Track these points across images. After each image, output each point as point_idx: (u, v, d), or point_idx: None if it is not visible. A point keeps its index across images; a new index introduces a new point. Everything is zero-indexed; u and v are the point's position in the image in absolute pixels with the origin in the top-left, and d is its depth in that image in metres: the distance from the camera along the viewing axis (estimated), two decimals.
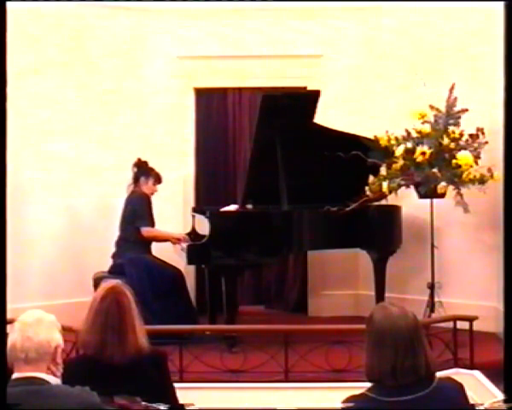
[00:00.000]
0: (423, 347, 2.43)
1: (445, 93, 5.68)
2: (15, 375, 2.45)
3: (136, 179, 6.06)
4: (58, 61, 6.48)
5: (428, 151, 5.55)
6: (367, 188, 5.68)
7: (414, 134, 5.68)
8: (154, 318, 5.25)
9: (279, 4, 6.73)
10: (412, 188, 5.71)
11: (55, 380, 2.47)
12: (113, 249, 6.01)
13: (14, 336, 2.46)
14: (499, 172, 5.01)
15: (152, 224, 5.95)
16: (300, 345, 4.85)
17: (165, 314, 5.50)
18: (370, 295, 6.24)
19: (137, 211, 5.92)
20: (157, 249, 6.10)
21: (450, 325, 4.94)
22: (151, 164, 6.33)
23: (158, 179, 6.12)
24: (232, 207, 6.06)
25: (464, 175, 5.48)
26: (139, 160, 6.12)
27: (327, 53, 6.84)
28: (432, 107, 5.68)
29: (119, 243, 6.01)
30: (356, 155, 5.62)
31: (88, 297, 3.34)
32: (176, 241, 5.97)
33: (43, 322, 2.49)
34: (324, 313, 6.64)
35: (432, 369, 2.42)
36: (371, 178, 5.72)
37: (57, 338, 2.51)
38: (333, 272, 6.83)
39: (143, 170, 6.08)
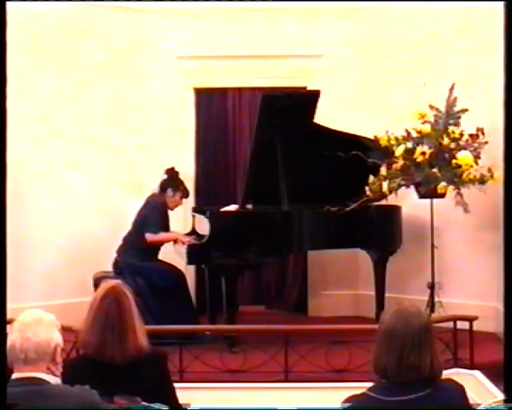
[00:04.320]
0: (430, 348, 2.43)
1: (445, 93, 5.69)
2: (15, 375, 2.44)
3: (163, 188, 6.01)
4: (57, 61, 6.48)
5: (428, 151, 5.55)
6: (367, 188, 5.68)
7: (414, 134, 5.68)
8: (154, 318, 5.26)
9: (279, 4, 6.73)
10: (412, 188, 5.71)
11: (54, 380, 2.47)
12: (114, 248, 5.98)
13: (13, 336, 2.46)
14: (499, 172, 5.01)
15: (160, 230, 5.89)
16: (300, 345, 4.85)
17: (166, 315, 5.50)
18: (370, 295, 6.25)
19: (147, 218, 5.89)
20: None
21: (450, 325, 4.94)
22: (150, 164, 6.34)
23: (185, 194, 6.12)
24: (232, 207, 6.06)
25: (464, 175, 5.49)
26: (172, 169, 6.08)
27: (327, 53, 6.84)
28: (432, 107, 5.69)
29: (125, 241, 5.98)
30: (356, 155, 5.62)
31: (88, 297, 3.34)
32: (182, 242, 5.91)
33: (42, 322, 2.49)
34: (324, 313, 6.64)
35: (436, 371, 2.42)
36: (371, 178, 5.72)
37: (56, 338, 2.51)
38: (333, 272, 6.83)
39: (173, 182, 6.04)
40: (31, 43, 6.34)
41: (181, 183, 6.10)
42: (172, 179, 6.07)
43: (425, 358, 2.40)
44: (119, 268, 5.83)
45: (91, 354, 2.96)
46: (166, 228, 6.00)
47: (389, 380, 2.41)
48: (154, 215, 5.91)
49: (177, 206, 6.10)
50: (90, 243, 6.53)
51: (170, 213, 6.10)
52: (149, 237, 5.84)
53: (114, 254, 5.96)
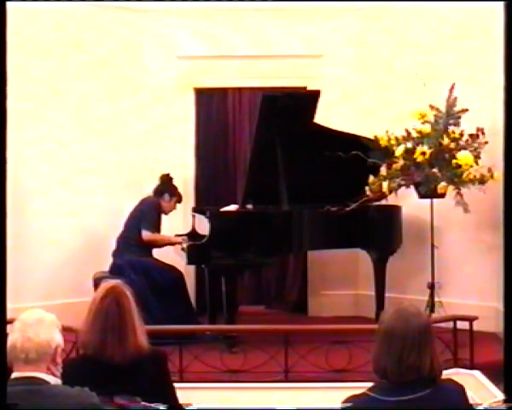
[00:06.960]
0: (430, 348, 2.43)
1: (445, 93, 5.69)
2: (15, 374, 2.44)
3: (159, 193, 6.06)
4: (57, 61, 6.47)
5: (428, 151, 5.55)
6: (367, 188, 5.68)
7: (414, 134, 5.69)
8: (153, 319, 5.26)
9: (279, 4, 6.73)
10: (412, 188, 5.72)
11: (54, 380, 2.47)
12: (113, 249, 6.01)
13: (14, 335, 2.45)
14: (499, 172, 5.01)
15: (155, 230, 5.95)
16: (300, 345, 4.85)
17: (165, 316, 5.50)
18: (370, 295, 6.25)
19: (145, 214, 5.94)
20: (157, 250, 6.09)
21: (450, 325, 4.93)
22: (150, 164, 6.34)
23: (180, 200, 6.19)
24: (232, 207, 6.06)
25: (464, 175, 5.49)
26: (167, 175, 6.13)
27: (327, 53, 6.84)
28: (432, 107, 5.69)
29: (119, 241, 6.00)
30: (356, 155, 5.62)
31: (88, 297, 3.34)
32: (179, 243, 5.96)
33: (43, 322, 2.49)
34: (324, 313, 6.64)
35: (435, 371, 2.42)
36: (371, 178, 5.72)
37: (57, 338, 2.51)
38: (333, 272, 6.83)
39: (169, 187, 6.10)
40: (30, 44, 6.33)
41: (176, 188, 6.17)
42: (168, 185, 6.12)
43: (425, 358, 2.40)
44: (117, 269, 5.83)
45: (91, 354, 2.96)
46: (159, 231, 6.03)
47: (389, 380, 2.41)
48: (151, 213, 5.97)
49: (171, 211, 6.16)
50: (90, 243, 6.53)
51: (169, 213, 6.14)
52: (146, 235, 5.89)
53: (110, 260, 5.97)
